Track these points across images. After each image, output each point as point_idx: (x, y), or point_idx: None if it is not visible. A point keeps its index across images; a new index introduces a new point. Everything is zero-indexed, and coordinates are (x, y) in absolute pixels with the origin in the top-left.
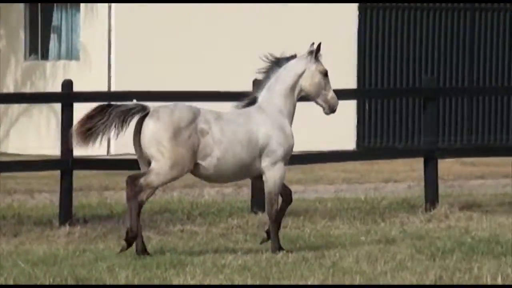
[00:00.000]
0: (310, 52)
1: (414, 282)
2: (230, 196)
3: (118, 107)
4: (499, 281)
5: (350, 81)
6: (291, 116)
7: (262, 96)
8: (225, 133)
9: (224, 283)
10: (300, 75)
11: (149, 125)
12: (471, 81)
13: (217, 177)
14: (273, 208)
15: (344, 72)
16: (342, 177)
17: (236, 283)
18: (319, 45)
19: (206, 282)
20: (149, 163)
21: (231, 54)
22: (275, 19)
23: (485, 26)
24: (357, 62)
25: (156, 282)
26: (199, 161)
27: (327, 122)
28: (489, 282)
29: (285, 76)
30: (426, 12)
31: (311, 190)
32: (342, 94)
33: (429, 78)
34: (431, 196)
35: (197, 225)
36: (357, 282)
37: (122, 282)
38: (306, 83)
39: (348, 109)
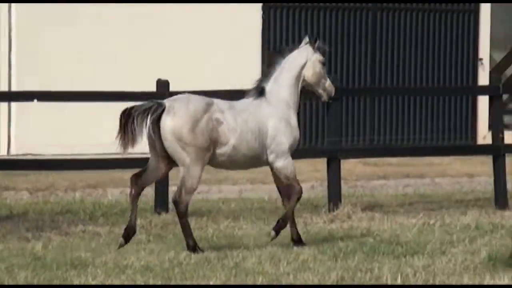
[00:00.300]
0: (310, 43)
1: (316, 283)
2: None
3: (139, 108)
4: (399, 281)
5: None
6: (296, 107)
7: (269, 87)
8: (239, 122)
9: (126, 283)
10: (303, 66)
11: (167, 122)
12: (373, 81)
13: (230, 165)
14: (296, 189)
15: (249, 72)
16: (247, 177)
17: (138, 283)
18: (316, 38)
19: (108, 282)
20: (163, 158)
21: (131, 54)
22: (176, 19)
23: (387, 26)
24: (261, 62)
25: (56, 282)
26: (215, 149)
27: None
28: (389, 282)
29: (289, 67)
30: (329, 12)
31: (215, 191)
32: (247, 94)
33: (333, 77)
34: (334, 197)
35: (100, 225)
36: (259, 282)
37: (21, 282)
38: (309, 73)
39: None
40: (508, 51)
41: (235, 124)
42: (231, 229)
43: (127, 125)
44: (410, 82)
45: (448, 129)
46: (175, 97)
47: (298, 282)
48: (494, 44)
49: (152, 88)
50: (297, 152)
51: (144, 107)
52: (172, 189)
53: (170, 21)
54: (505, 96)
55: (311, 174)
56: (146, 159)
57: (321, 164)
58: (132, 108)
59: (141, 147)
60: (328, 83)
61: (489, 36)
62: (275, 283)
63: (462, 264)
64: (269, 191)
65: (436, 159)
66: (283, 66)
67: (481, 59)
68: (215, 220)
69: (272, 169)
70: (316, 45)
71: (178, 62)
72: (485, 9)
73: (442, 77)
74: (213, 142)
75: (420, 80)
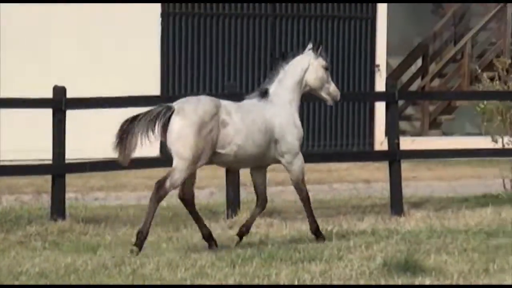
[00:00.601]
0: (313, 49)
1: None
2: (29, 203)
3: (145, 115)
4: None
5: (153, 88)
6: (297, 110)
7: (273, 89)
8: (245, 122)
9: None
10: (305, 70)
11: (175, 123)
12: None
13: (236, 163)
14: (303, 192)
15: (148, 78)
16: (146, 184)
17: None
18: (319, 43)
19: None
20: None
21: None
22: (76, 23)
23: (286, 33)
24: (161, 68)
25: None
26: (219, 150)
27: None
28: None
29: (292, 71)
30: (228, 19)
31: (113, 197)
32: (146, 100)
33: (231, 84)
34: (233, 203)
35: None
36: None
37: None
38: (311, 78)
39: None
40: (404, 57)
41: (242, 125)
42: (129, 235)
43: (127, 134)
44: None
45: (346, 135)
46: (185, 99)
47: None
48: (390, 50)
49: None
50: None
51: (154, 113)
52: (69, 196)
53: (70, 24)
54: (400, 102)
55: (211, 180)
56: (44, 166)
57: (220, 170)
58: (135, 117)
59: (37, 154)
60: (332, 87)
61: (386, 42)
62: None
63: (358, 270)
64: (168, 197)
65: (334, 165)
66: (286, 70)
67: (378, 66)
68: (113, 226)
69: (286, 168)
70: (319, 50)
71: (79, 68)
72: (382, 16)
73: (340, 83)
74: (215, 146)
75: None
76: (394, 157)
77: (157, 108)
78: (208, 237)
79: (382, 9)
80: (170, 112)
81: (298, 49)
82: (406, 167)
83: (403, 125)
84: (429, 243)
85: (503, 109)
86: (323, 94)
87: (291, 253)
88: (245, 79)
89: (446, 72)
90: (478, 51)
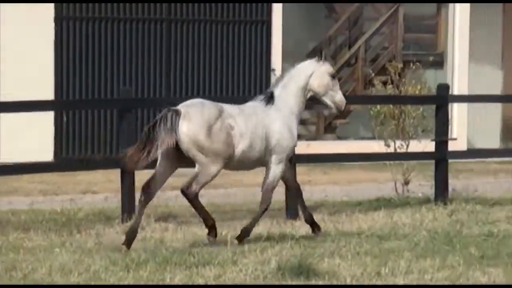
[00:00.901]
0: (319, 56)
1: None
2: None
3: (160, 122)
4: None
5: (47, 92)
6: (299, 116)
7: (277, 93)
8: (248, 127)
9: None
10: (310, 76)
11: (183, 127)
12: (169, 91)
13: (238, 167)
14: (267, 201)
15: (42, 83)
16: (39, 188)
17: None
18: (321, 50)
19: None
20: (173, 162)
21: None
22: None
23: (181, 37)
24: (54, 73)
25: None
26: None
27: (24, 133)
28: None
29: (297, 76)
30: (123, 23)
31: (5, 202)
32: (39, 105)
33: (126, 89)
34: (128, 207)
35: None
36: None
37: None
38: (315, 84)
39: (45, 120)
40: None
41: (246, 129)
42: (20, 240)
43: (149, 146)
44: (205, 92)
45: None
46: (189, 102)
47: None
48: (285, 54)
49: None
50: (91, 162)
51: (169, 120)
52: None
53: None
54: None
55: (105, 185)
56: None
57: (114, 175)
58: (153, 126)
59: None
60: (338, 96)
61: (281, 46)
62: None
63: (252, 274)
64: (62, 202)
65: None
66: (292, 75)
67: (273, 70)
68: (4, 231)
69: (266, 168)
70: (323, 57)
71: None
72: (277, 19)
73: (236, 87)
74: (231, 144)
75: (214, 90)
76: (289, 161)
77: (168, 113)
78: (132, 236)
79: (277, 13)
80: (179, 117)
81: (193, 54)
82: (301, 171)
83: (298, 129)
84: (323, 247)
85: (396, 114)
86: (327, 100)
87: (185, 257)
88: (141, 84)
89: (340, 76)
90: (371, 56)
